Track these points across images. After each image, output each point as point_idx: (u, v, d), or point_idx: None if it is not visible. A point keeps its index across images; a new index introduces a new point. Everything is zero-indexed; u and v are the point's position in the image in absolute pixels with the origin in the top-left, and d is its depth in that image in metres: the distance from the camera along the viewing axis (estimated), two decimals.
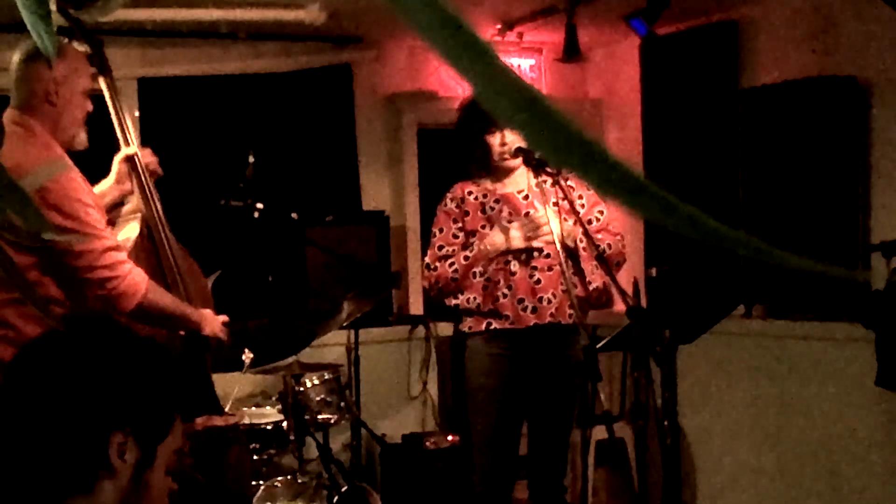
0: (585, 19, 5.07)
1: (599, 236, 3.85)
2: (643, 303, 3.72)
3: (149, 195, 3.28)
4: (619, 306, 3.56)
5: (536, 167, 3.73)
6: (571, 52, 5.14)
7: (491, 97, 0.57)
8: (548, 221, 3.71)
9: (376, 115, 5.75)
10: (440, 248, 3.86)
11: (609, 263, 3.82)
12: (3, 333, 2.81)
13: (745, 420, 4.98)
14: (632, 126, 5.80)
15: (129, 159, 3.30)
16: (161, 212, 3.29)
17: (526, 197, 3.87)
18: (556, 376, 3.87)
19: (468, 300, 3.82)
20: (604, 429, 4.21)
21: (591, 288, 3.85)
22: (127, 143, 3.31)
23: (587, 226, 3.78)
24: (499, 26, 5.36)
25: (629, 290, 3.40)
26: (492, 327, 3.82)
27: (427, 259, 3.90)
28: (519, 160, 3.82)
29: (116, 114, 3.29)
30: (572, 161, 0.58)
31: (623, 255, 3.94)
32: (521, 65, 5.96)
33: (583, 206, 3.85)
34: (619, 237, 3.92)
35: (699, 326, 3.63)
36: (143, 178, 3.29)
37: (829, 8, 4.72)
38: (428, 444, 5.02)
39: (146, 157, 3.33)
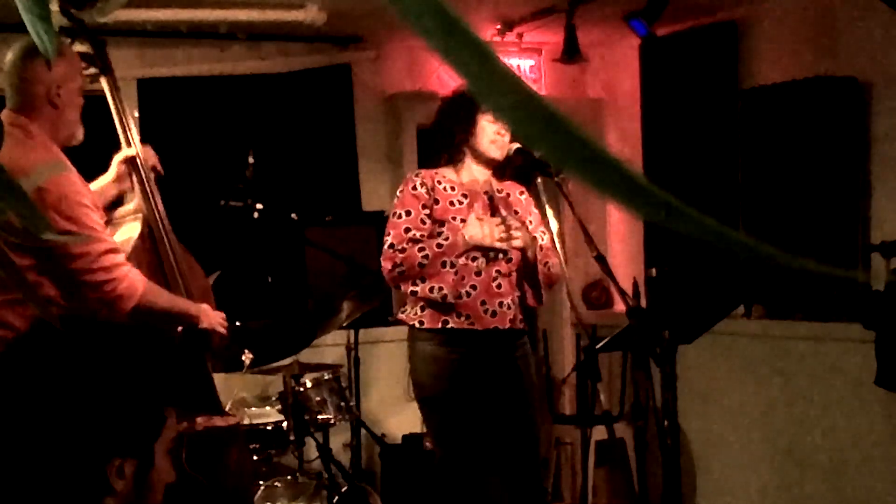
0: (585, 19, 5.07)
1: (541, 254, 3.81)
2: (643, 303, 3.72)
3: (150, 195, 3.28)
4: (619, 306, 3.56)
5: (535, 168, 3.71)
6: (571, 53, 5.14)
7: (490, 97, 0.58)
8: (547, 220, 3.70)
9: (376, 115, 5.75)
10: (407, 230, 3.69)
11: (542, 285, 3.79)
12: (2, 334, 2.81)
13: (745, 420, 4.98)
14: (631, 126, 5.80)
15: (130, 160, 3.30)
16: (162, 212, 3.29)
17: (491, 198, 3.83)
18: (507, 377, 3.79)
19: (431, 289, 3.65)
20: (604, 429, 4.22)
21: (530, 302, 3.82)
22: (129, 144, 3.30)
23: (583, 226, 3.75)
24: (499, 27, 5.36)
25: (629, 290, 3.40)
26: (448, 325, 3.69)
27: (391, 239, 3.71)
28: (502, 152, 3.77)
29: (118, 113, 3.29)
30: (572, 161, 0.58)
31: (559, 279, 3.85)
32: (521, 65, 5.96)
33: (531, 222, 3.80)
34: (559, 260, 3.76)
35: (699, 326, 3.62)
36: (144, 179, 3.29)
37: (829, 8, 4.73)
38: (428, 444, 5.02)
39: (147, 155, 3.33)
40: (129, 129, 3.31)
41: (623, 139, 5.86)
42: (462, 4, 4.64)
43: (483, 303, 3.70)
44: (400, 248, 3.68)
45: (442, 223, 3.71)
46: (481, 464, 3.77)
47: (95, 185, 3.27)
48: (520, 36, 5.54)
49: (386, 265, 3.72)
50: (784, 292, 4.67)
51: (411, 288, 3.68)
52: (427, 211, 3.73)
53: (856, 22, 4.61)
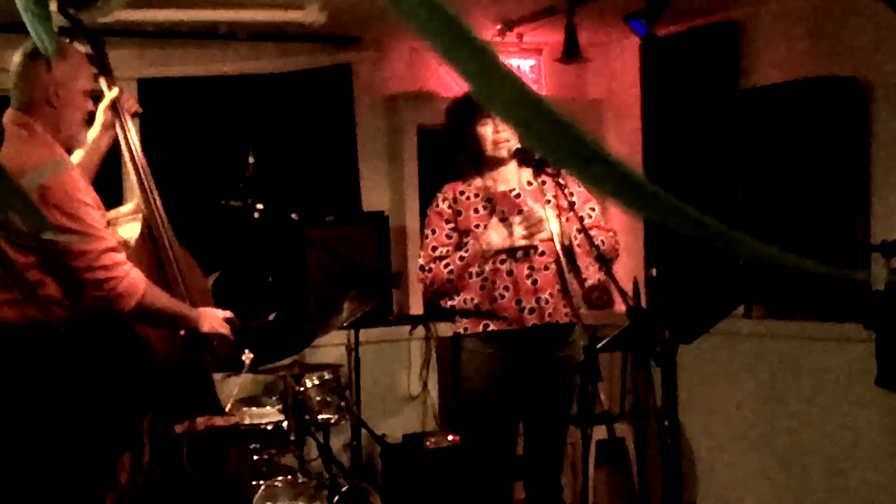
0: (585, 20, 5.07)
1: (593, 233, 3.83)
2: (643, 303, 3.73)
3: (149, 195, 3.28)
4: (619, 306, 3.56)
5: (536, 167, 3.72)
6: (571, 53, 5.14)
7: (490, 98, 0.58)
8: (546, 219, 3.71)
9: (376, 116, 5.75)
10: (433, 248, 3.83)
11: (601, 262, 3.82)
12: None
13: (745, 420, 4.98)
14: (631, 126, 5.80)
15: (113, 105, 3.29)
16: (162, 212, 3.29)
17: (518, 196, 3.85)
18: (551, 376, 3.85)
19: (465, 301, 3.78)
20: (604, 429, 4.21)
21: (587, 285, 3.83)
22: (110, 88, 3.30)
23: (582, 223, 3.77)
24: (499, 27, 5.36)
25: (629, 290, 3.40)
26: (489, 328, 3.78)
27: (421, 261, 3.87)
28: (507, 151, 3.80)
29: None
30: (572, 161, 0.58)
31: (616, 251, 3.91)
32: (521, 65, 5.96)
33: (574, 203, 3.82)
34: (611, 233, 3.90)
35: (699, 326, 3.62)
36: (142, 177, 3.29)
37: (829, 8, 4.73)
38: (428, 444, 5.02)
39: (124, 100, 3.33)
40: (111, 78, 3.31)
41: (623, 139, 5.86)
42: (462, 4, 4.64)
43: (518, 302, 3.75)
44: (428, 268, 3.83)
45: (468, 233, 3.79)
46: (510, 463, 3.88)
47: (88, 138, 3.27)
48: (520, 36, 5.54)
49: (420, 287, 3.97)
50: (784, 292, 4.67)
51: (449, 303, 3.85)
52: (451, 225, 3.85)
53: (856, 22, 4.61)
